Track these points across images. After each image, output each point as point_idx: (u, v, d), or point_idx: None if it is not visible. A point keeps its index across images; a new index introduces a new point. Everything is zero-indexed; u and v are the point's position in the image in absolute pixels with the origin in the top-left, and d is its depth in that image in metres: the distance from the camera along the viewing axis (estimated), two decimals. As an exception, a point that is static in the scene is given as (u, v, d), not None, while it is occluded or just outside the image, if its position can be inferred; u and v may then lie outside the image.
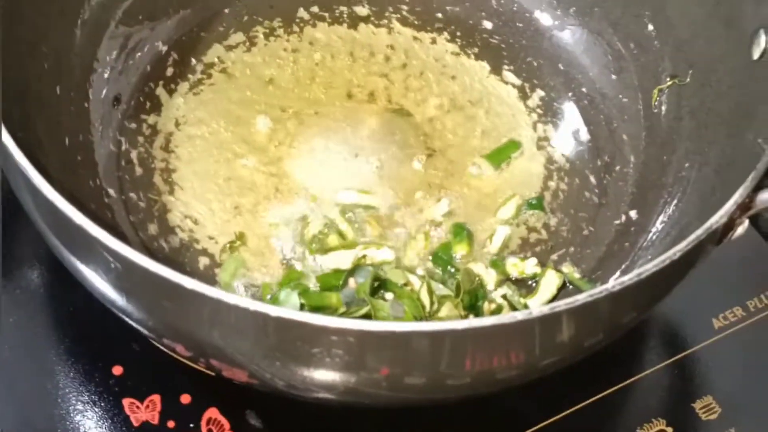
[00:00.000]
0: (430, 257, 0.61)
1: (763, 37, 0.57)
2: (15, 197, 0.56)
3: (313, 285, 0.58)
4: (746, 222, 0.51)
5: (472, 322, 0.46)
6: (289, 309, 0.47)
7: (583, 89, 0.69)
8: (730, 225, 0.50)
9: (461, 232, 0.61)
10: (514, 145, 0.66)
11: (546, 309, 0.45)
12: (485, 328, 0.46)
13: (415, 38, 0.71)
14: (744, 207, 0.50)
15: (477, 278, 0.59)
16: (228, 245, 0.60)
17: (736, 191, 0.49)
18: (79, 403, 0.58)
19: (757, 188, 0.50)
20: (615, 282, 0.46)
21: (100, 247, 0.46)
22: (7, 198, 0.64)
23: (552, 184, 0.65)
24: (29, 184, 0.48)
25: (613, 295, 0.46)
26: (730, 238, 0.51)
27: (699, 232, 0.48)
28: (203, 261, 0.60)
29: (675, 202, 0.60)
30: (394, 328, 0.45)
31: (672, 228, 0.58)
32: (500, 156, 0.65)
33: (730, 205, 0.49)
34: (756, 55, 0.57)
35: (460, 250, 0.61)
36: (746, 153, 0.53)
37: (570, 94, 0.69)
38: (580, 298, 0.45)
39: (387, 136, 0.66)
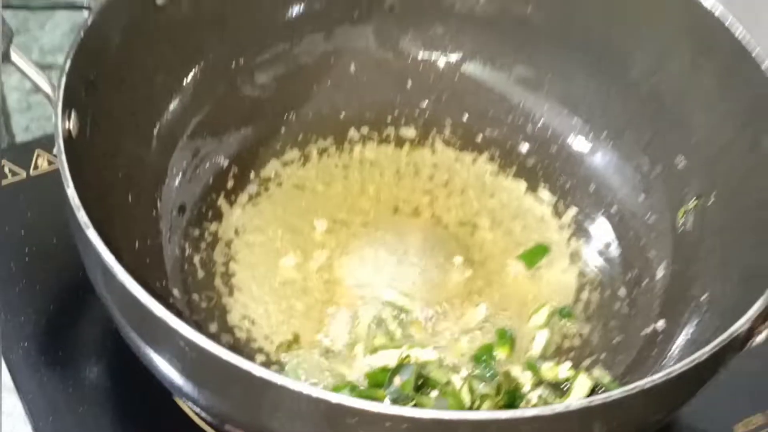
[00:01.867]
0: (471, 358, 0.65)
1: None
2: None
3: (361, 382, 0.63)
4: (766, 331, 0.56)
5: (515, 412, 0.50)
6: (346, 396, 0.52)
7: (614, 208, 0.74)
8: (750, 333, 0.55)
9: (505, 335, 0.66)
10: (543, 248, 0.71)
11: (584, 402, 0.50)
12: (526, 418, 0.50)
13: (456, 158, 0.77)
14: (764, 316, 0.55)
15: (515, 380, 0.64)
16: (284, 344, 0.65)
17: (757, 301, 0.54)
18: None
19: (780, 298, 0.55)
20: (646, 380, 0.50)
21: (178, 337, 0.51)
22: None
23: (584, 294, 0.70)
24: (113, 280, 0.53)
25: (644, 392, 0.50)
26: (751, 345, 0.56)
27: (723, 337, 0.53)
28: (259, 358, 0.65)
29: (701, 313, 0.65)
30: (444, 416, 0.50)
31: (699, 336, 0.62)
32: (533, 257, 0.71)
33: (751, 314, 0.53)
34: (774, 178, 0.63)
35: (501, 353, 0.65)
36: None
37: (601, 211, 0.74)
38: (614, 394, 0.50)
39: (430, 247, 0.71)
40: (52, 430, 0.64)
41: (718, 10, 0.67)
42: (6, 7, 0.88)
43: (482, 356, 0.65)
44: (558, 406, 0.50)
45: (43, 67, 0.89)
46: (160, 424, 0.65)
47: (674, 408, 0.57)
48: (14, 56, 0.60)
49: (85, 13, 0.89)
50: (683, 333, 0.66)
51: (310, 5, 0.76)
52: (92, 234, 0.53)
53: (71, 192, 0.55)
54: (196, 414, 0.63)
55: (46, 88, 0.60)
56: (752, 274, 0.59)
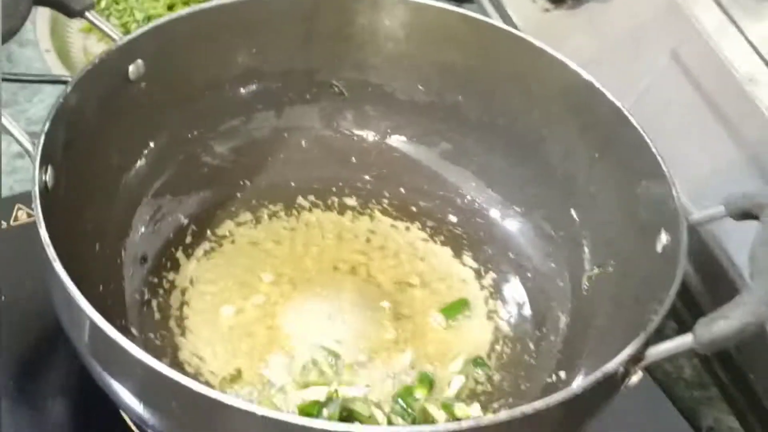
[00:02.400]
0: (394, 396, 0.73)
1: (663, 235, 0.71)
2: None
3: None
4: (640, 372, 0.64)
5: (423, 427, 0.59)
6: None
7: (528, 273, 0.82)
8: (625, 374, 0.63)
9: (425, 378, 0.74)
10: (463, 302, 0.80)
11: (472, 422, 0.58)
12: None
13: (392, 225, 0.85)
14: (636, 359, 0.63)
15: (431, 417, 0.72)
16: (227, 378, 0.73)
17: (628, 346, 0.62)
18: None
19: (647, 344, 0.63)
20: (526, 406, 0.59)
21: (136, 363, 0.59)
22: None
23: (498, 347, 0.78)
24: (81, 315, 0.61)
25: (526, 415, 0.58)
26: (627, 384, 0.64)
27: (597, 375, 0.61)
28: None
29: (590, 366, 0.73)
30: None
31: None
32: (452, 310, 0.79)
33: (623, 356, 0.61)
34: (659, 249, 0.71)
35: (420, 393, 0.73)
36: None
37: (518, 276, 0.82)
38: (502, 416, 0.58)
39: (364, 302, 0.79)
40: None
41: (625, 109, 0.76)
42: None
43: (403, 395, 0.73)
44: (451, 424, 0.59)
45: (30, 135, 0.99)
46: None
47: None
48: (4, 120, 0.69)
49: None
50: (578, 380, 0.74)
51: (262, 86, 0.83)
52: (58, 267, 0.61)
53: (42, 231, 0.62)
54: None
55: (28, 146, 0.69)
56: (635, 330, 0.67)
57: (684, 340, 0.61)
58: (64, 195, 0.70)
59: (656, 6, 0.87)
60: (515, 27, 0.99)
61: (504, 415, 0.58)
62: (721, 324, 0.59)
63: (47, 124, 0.68)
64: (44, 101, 1.02)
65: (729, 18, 0.84)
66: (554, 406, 0.58)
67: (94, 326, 0.60)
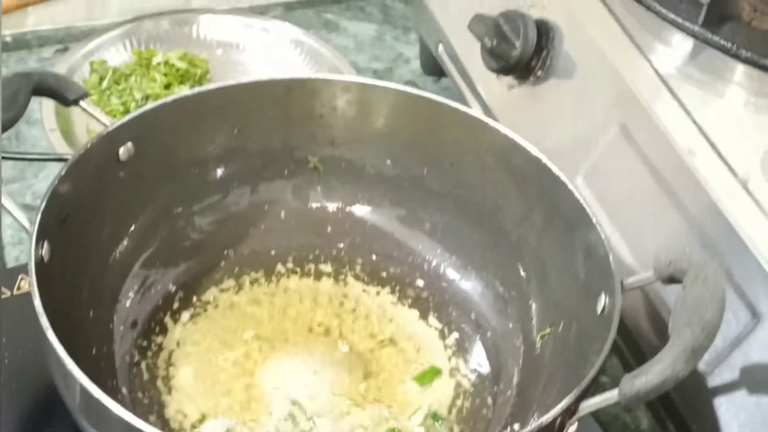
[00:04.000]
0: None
1: (603, 297, 0.77)
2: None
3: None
4: (576, 424, 0.71)
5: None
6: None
7: (488, 333, 0.89)
8: (561, 426, 0.70)
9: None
10: (435, 370, 0.86)
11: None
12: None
13: (364, 290, 0.92)
14: (571, 412, 0.69)
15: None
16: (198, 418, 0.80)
17: (564, 399, 0.69)
18: None
19: (581, 398, 0.70)
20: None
21: (123, 423, 0.65)
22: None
23: (459, 401, 0.84)
24: (70, 379, 0.68)
25: None
26: (563, 436, 0.70)
27: (532, 427, 0.68)
28: (189, 441, 0.79)
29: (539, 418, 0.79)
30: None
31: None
32: (425, 378, 0.85)
33: (558, 410, 0.68)
34: (599, 310, 0.78)
35: None
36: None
37: (478, 335, 0.89)
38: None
39: (336, 361, 0.85)
40: None
41: (569, 183, 0.83)
42: (5, 158, 1.05)
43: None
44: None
45: (35, 208, 1.07)
46: None
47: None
48: (3, 199, 0.76)
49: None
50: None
51: (242, 164, 0.90)
52: (51, 336, 0.68)
53: (37, 302, 0.69)
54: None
55: (26, 224, 0.76)
56: (574, 384, 0.73)
57: (611, 395, 0.68)
58: (60, 266, 0.76)
59: (606, 84, 0.94)
60: (484, 102, 1.06)
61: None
62: (642, 380, 0.66)
63: (43, 204, 0.75)
64: (49, 177, 1.08)
65: (673, 95, 0.91)
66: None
67: (82, 388, 0.67)
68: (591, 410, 0.69)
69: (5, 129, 0.78)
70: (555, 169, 0.83)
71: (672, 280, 0.74)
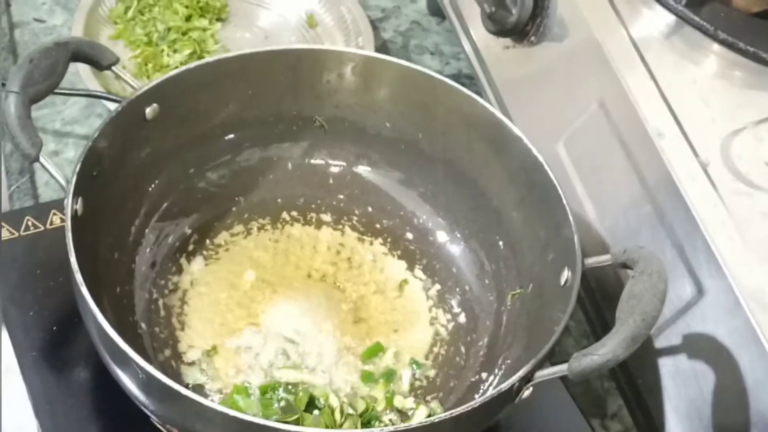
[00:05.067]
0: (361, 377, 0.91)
1: (566, 271, 0.87)
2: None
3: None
4: (531, 389, 0.82)
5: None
6: (239, 413, 0.77)
7: (466, 287, 0.99)
8: (519, 389, 0.80)
9: (390, 372, 0.92)
10: (378, 347, 0.94)
11: (398, 427, 0.75)
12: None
13: (359, 239, 1.01)
14: (527, 379, 0.79)
15: (372, 406, 0.90)
16: (206, 352, 0.91)
17: (522, 368, 0.79)
18: None
19: (537, 368, 0.80)
20: (435, 416, 0.77)
21: (133, 362, 0.76)
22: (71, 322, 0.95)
23: (436, 348, 0.95)
24: (95, 321, 0.77)
25: (434, 424, 0.75)
26: (521, 397, 0.81)
27: (493, 392, 0.78)
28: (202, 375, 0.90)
29: (504, 369, 0.91)
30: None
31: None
32: (368, 354, 0.94)
33: (515, 378, 0.78)
34: (562, 282, 0.87)
35: (383, 385, 0.91)
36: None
37: (457, 289, 0.99)
38: (413, 424, 0.75)
39: (330, 304, 0.96)
40: (49, 412, 0.87)
41: (546, 164, 0.91)
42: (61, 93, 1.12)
43: (364, 379, 0.91)
44: (385, 429, 0.77)
45: (63, 134, 1.16)
46: (127, 417, 0.86)
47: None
48: (42, 159, 0.85)
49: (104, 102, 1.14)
50: (493, 383, 0.92)
51: (256, 123, 1.00)
52: (84, 291, 0.77)
53: (72, 259, 0.78)
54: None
55: (62, 181, 0.85)
56: (539, 346, 0.82)
57: (561, 368, 0.78)
58: (90, 217, 0.85)
59: (590, 57, 1.01)
60: (481, 57, 1.14)
61: (415, 423, 0.76)
62: (588, 360, 0.76)
63: (78, 165, 0.84)
64: (78, 103, 1.18)
65: (649, 73, 0.99)
66: (457, 416, 0.76)
67: (106, 335, 0.77)
68: (544, 379, 0.79)
69: (47, 94, 0.87)
70: (534, 150, 0.92)
71: (625, 266, 0.84)
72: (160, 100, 0.92)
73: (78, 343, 0.92)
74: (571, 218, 0.88)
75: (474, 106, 0.96)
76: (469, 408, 0.77)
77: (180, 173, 0.98)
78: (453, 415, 0.76)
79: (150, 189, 0.96)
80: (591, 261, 0.86)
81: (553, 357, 0.82)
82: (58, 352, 0.92)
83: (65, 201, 0.83)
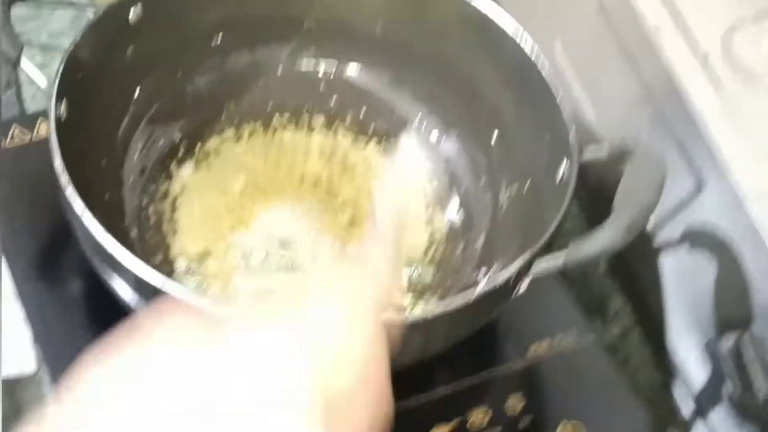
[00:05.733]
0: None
1: (562, 167, 0.84)
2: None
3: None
4: (528, 282, 0.80)
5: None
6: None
7: (462, 188, 0.97)
8: (516, 282, 0.79)
9: None
10: None
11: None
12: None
13: (352, 143, 1.00)
14: (523, 272, 0.78)
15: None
16: (198, 256, 0.90)
17: (514, 262, 0.78)
18: None
19: (534, 259, 0.78)
20: (429, 311, 0.75)
21: (124, 266, 0.74)
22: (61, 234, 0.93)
23: (432, 249, 0.94)
24: (84, 226, 0.75)
25: (430, 319, 0.74)
26: (518, 292, 0.80)
27: (488, 285, 0.77)
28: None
29: (500, 268, 0.89)
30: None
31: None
32: None
33: (513, 269, 0.76)
34: (558, 179, 0.85)
35: None
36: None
37: (454, 188, 0.98)
38: (408, 319, 0.75)
39: (323, 208, 0.94)
40: (41, 323, 0.86)
41: (536, 62, 0.89)
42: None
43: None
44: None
45: (50, 47, 1.14)
46: (120, 323, 0.88)
47: (467, 329, 0.80)
48: (23, 62, 0.84)
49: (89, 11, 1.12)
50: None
51: (243, 26, 0.97)
52: (71, 192, 0.76)
53: (57, 161, 0.76)
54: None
55: (44, 84, 0.84)
56: (534, 240, 0.80)
57: (557, 260, 0.77)
58: (76, 122, 0.83)
59: None
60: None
61: (410, 318, 0.74)
62: (584, 249, 0.75)
63: (61, 66, 0.82)
64: (64, 15, 1.16)
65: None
66: (453, 311, 0.75)
67: (96, 239, 0.75)
68: (541, 273, 0.78)
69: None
70: (527, 50, 0.89)
71: (621, 158, 0.82)
72: (144, 3, 0.90)
73: (70, 255, 0.90)
74: (565, 113, 0.86)
75: (467, 5, 0.93)
76: (465, 302, 0.75)
77: (167, 77, 0.96)
78: (448, 309, 0.75)
79: (137, 93, 0.94)
80: (586, 156, 0.85)
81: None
82: (50, 264, 0.91)
83: (48, 104, 0.81)
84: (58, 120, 0.81)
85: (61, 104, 0.82)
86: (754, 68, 0.91)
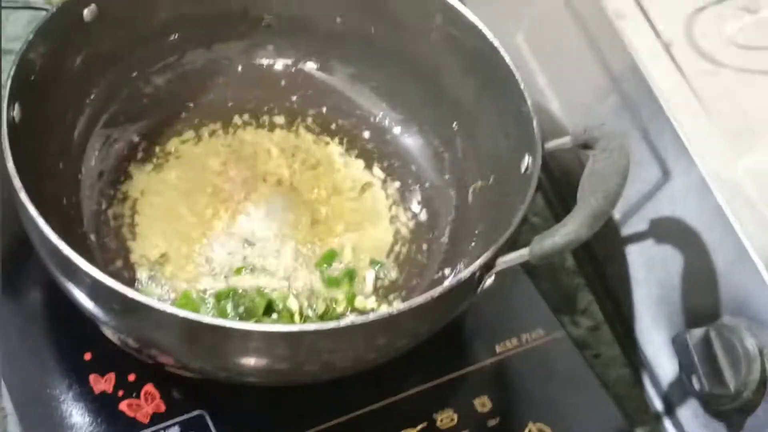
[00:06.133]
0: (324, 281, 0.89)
1: (526, 158, 0.83)
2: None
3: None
4: (493, 277, 0.79)
5: (316, 325, 0.74)
6: (200, 315, 0.75)
7: (426, 183, 0.96)
8: (481, 278, 0.78)
9: (350, 273, 0.90)
10: (333, 253, 0.91)
11: (355, 320, 0.73)
12: (320, 331, 0.73)
13: (314, 141, 0.98)
14: (488, 267, 0.77)
15: (333, 307, 0.87)
16: (158, 260, 0.88)
17: (480, 257, 0.76)
18: (59, 377, 0.84)
19: (498, 254, 0.77)
20: (394, 308, 0.74)
21: (80, 270, 0.72)
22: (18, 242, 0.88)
23: (397, 247, 0.92)
24: (38, 231, 0.74)
25: (394, 316, 0.73)
26: (483, 287, 0.78)
27: (452, 281, 0.76)
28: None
29: (466, 264, 0.88)
30: (268, 329, 0.74)
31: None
32: (324, 260, 0.91)
33: (476, 265, 0.75)
34: (523, 170, 0.84)
35: (345, 287, 0.89)
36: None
37: (417, 186, 0.96)
38: (371, 317, 0.73)
39: (287, 207, 0.93)
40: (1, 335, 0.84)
41: (501, 49, 0.88)
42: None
43: (329, 283, 0.89)
44: (342, 321, 0.74)
45: (6, 52, 1.12)
46: (81, 334, 0.85)
47: (429, 329, 0.79)
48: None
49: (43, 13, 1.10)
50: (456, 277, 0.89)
51: (191, 28, 0.96)
52: (23, 196, 0.74)
53: (10, 164, 0.75)
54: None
55: (-6, 86, 0.82)
56: (498, 236, 0.79)
57: (523, 253, 0.76)
58: (30, 125, 0.82)
59: None
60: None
61: (373, 315, 0.73)
62: (549, 241, 0.73)
63: (13, 68, 0.80)
64: (20, 19, 1.13)
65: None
66: (417, 308, 0.73)
67: (51, 244, 0.73)
68: (506, 266, 0.76)
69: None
70: (490, 36, 0.88)
71: (586, 146, 0.81)
72: (98, 1, 0.88)
73: (27, 264, 0.89)
74: (529, 101, 0.85)
75: (427, -5, 0.92)
76: (429, 298, 0.74)
77: (123, 77, 0.94)
78: (412, 306, 0.73)
79: (92, 94, 0.92)
80: (551, 144, 0.84)
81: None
82: (7, 273, 0.88)
83: (0, 106, 0.80)
84: (10, 123, 0.79)
85: (13, 107, 0.80)
86: (716, 52, 0.90)
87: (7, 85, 0.80)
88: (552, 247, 0.74)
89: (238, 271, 0.88)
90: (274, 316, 0.85)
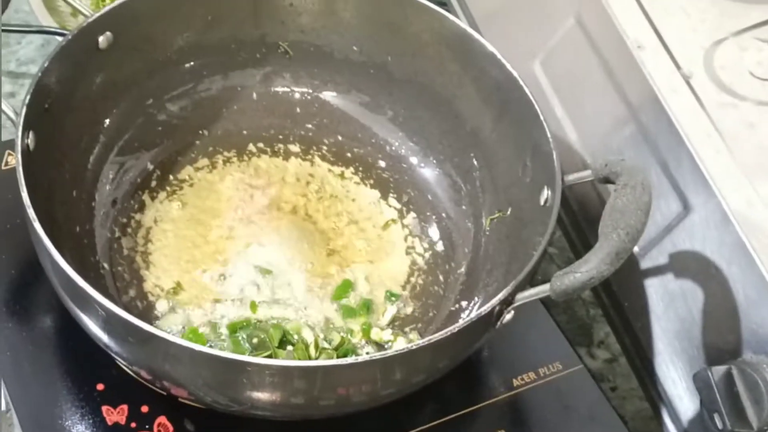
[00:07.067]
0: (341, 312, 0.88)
1: (546, 191, 0.83)
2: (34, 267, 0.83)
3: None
4: (512, 312, 0.78)
5: (334, 361, 0.73)
6: (214, 350, 0.74)
7: (443, 214, 0.95)
8: (500, 313, 0.77)
9: (366, 304, 0.88)
10: (348, 283, 0.90)
11: (374, 356, 0.72)
12: (338, 366, 0.73)
13: (329, 170, 0.97)
14: (507, 302, 0.76)
15: (348, 339, 0.86)
16: (172, 290, 0.87)
17: (498, 294, 0.75)
18: (71, 407, 0.83)
19: (518, 290, 0.77)
20: (413, 344, 0.73)
21: (94, 302, 0.72)
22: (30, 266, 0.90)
23: (413, 279, 0.92)
24: (52, 261, 0.73)
25: (412, 352, 0.72)
26: (502, 322, 0.78)
27: (472, 316, 0.75)
28: (162, 305, 0.87)
29: (484, 297, 0.88)
30: (284, 363, 0.73)
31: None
32: (339, 292, 0.90)
33: (495, 301, 0.74)
34: (542, 202, 0.84)
35: (361, 318, 0.87)
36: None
37: (434, 217, 0.95)
38: (389, 352, 0.73)
39: (302, 236, 0.92)
40: (10, 360, 0.83)
41: (521, 80, 0.87)
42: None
43: (345, 314, 0.88)
44: (360, 358, 0.73)
45: (19, 75, 1.12)
46: (93, 362, 0.84)
47: (450, 362, 0.78)
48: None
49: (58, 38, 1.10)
50: (473, 310, 0.88)
51: (216, 51, 0.95)
52: (38, 226, 0.73)
53: (24, 194, 0.74)
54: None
55: (11, 115, 0.81)
56: (519, 269, 0.79)
57: (543, 289, 0.75)
58: (44, 152, 0.82)
59: None
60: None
61: (392, 351, 0.72)
62: (571, 278, 0.73)
63: (28, 96, 0.80)
64: (33, 43, 1.14)
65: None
66: (436, 343, 0.73)
67: (64, 275, 0.73)
68: (525, 301, 0.76)
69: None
70: (508, 66, 0.88)
71: (607, 180, 0.80)
72: (114, 28, 0.88)
73: (39, 289, 0.88)
74: (548, 133, 0.84)
75: (445, 23, 0.92)
76: (448, 333, 0.73)
77: (138, 105, 0.94)
78: (431, 341, 0.73)
79: (107, 122, 0.92)
80: (571, 177, 0.83)
81: (535, 283, 0.79)
82: (19, 298, 0.88)
83: (15, 134, 0.79)
84: (25, 151, 0.79)
85: (28, 135, 0.80)
86: (736, 84, 0.89)
87: (22, 113, 0.80)
88: (573, 284, 0.73)
89: (254, 307, 0.87)
90: (289, 347, 0.84)
